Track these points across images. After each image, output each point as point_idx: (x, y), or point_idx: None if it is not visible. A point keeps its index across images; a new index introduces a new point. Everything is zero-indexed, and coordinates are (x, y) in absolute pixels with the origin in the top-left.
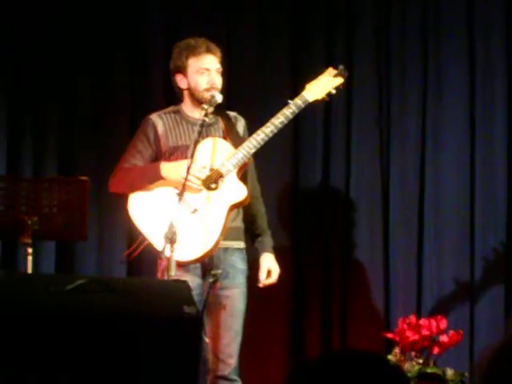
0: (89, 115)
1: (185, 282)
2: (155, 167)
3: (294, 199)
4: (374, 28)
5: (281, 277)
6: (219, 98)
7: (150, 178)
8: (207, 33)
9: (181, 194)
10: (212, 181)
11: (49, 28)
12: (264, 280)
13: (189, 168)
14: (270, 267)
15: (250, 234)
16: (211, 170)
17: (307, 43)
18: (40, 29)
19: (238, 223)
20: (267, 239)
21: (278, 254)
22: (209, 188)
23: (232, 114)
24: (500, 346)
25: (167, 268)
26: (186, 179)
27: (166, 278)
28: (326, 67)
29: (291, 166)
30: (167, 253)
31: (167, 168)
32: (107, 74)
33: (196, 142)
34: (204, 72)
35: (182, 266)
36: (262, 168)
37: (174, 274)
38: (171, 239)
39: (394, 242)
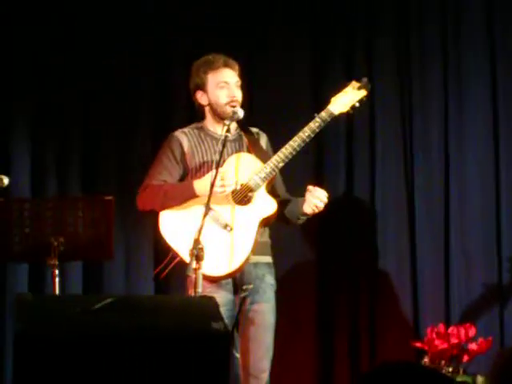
0: (113, 133)
1: (212, 297)
2: (189, 186)
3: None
4: (393, 41)
5: (306, 290)
6: (241, 113)
7: (185, 197)
8: (230, 51)
9: (207, 207)
10: (242, 195)
11: (72, 49)
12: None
13: (213, 182)
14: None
15: (289, 212)
16: (240, 184)
17: (328, 59)
18: (63, 52)
19: (266, 238)
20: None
21: (302, 268)
22: (239, 203)
23: (254, 129)
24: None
25: (196, 284)
26: (211, 189)
27: (195, 294)
28: (347, 81)
29: (314, 180)
30: (195, 268)
31: (200, 185)
32: (132, 95)
33: (220, 158)
34: (224, 86)
35: (213, 281)
36: (284, 183)
37: (203, 290)
38: (197, 255)
39: (420, 251)
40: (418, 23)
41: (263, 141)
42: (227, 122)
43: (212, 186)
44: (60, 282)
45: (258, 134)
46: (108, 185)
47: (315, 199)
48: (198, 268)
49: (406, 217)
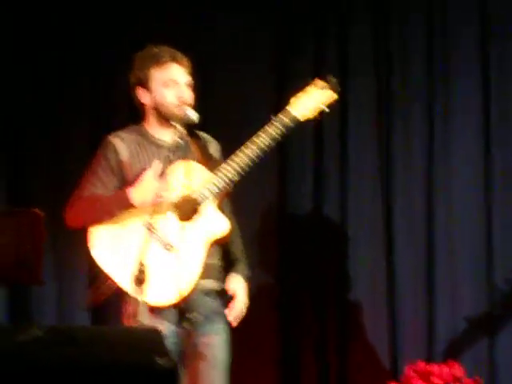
0: (44, 136)
1: (157, 328)
2: (123, 196)
3: (279, 231)
4: (371, 31)
5: (266, 321)
6: (194, 116)
7: (119, 208)
8: (177, 38)
9: (151, 225)
10: (187, 210)
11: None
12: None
13: (157, 193)
14: (234, 290)
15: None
16: (185, 197)
17: (294, 48)
18: None
19: (216, 259)
20: (241, 266)
21: (261, 295)
22: (184, 219)
23: (203, 135)
24: None
25: (135, 313)
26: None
27: (134, 324)
28: (314, 77)
29: (276, 192)
30: (135, 295)
31: (137, 193)
32: (66, 93)
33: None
34: (171, 85)
35: (154, 310)
36: (242, 195)
37: (144, 319)
38: (139, 279)
39: (399, 277)
40: (401, 13)
41: (213, 149)
42: (178, 126)
43: (157, 194)
44: None
45: (207, 140)
46: (38, 196)
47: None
48: (141, 293)
49: (383, 238)
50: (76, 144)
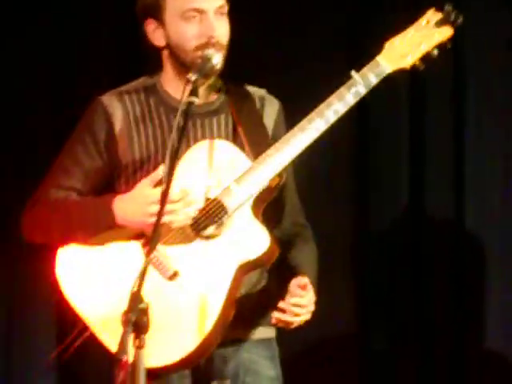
0: None
1: None
2: (104, 208)
3: (363, 247)
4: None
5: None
6: (216, 60)
7: (97, 226)
8: None
9: (152, 246)
10: (208, 221)
11: None
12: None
13: (164, 197)
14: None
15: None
16: (206, 200)
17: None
18: None
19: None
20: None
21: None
22: (202, 233)
23: (258, 92)
24: None
25: (133, 377)
26: (158, 219)
27: None
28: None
29: (357, 191)
30: (129, 351)
31: (124, 207)
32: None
33: (177, 146)
34: (195, 16)
35: (157, 374)
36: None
37: None
38: (137, 323)
39: None
40: None
41: (271, 113)
42: (192, 77)
43: (163, 200)
44: None
45: (262, 99)
46: None
47: (294, 307)
48: (140, 346)
49: None
50: (33, 124)
